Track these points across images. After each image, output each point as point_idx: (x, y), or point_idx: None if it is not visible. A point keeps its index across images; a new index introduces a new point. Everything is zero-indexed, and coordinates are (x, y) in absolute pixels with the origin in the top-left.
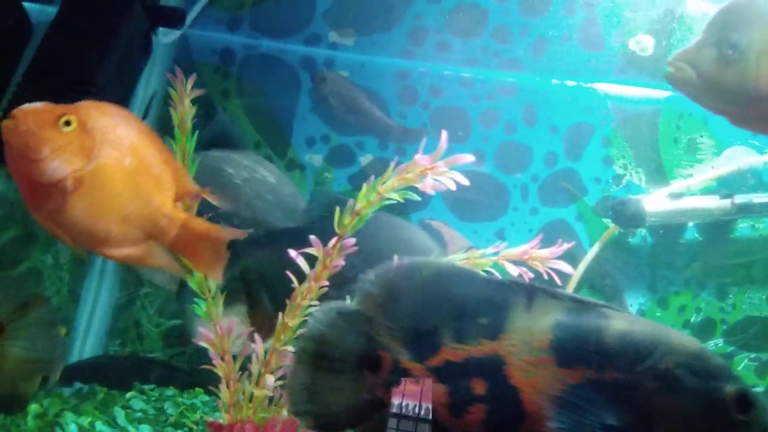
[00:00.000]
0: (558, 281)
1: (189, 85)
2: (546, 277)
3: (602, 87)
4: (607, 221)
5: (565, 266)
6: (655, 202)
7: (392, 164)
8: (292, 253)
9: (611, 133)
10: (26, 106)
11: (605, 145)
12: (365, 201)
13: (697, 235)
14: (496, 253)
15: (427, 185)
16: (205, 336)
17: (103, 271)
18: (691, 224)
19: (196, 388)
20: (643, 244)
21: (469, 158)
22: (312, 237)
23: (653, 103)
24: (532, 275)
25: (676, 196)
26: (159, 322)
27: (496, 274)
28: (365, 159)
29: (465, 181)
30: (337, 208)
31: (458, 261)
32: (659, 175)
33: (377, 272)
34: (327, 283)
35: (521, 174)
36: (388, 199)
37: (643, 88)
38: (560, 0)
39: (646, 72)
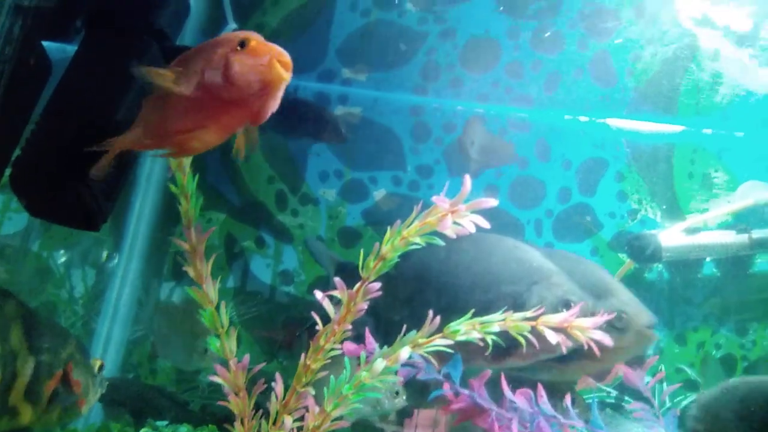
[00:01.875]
0: (597, 352)
1: None
2: (586, 347)
3: (615, 122)
4: (623, 256)
5: (605, 338)
6: (671, 237)
7: (416, 208)
8: (318, 295)
9: (625, 168)
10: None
11: (619, 180)
12: (390, 245)
13: (714, 270)
14: (534, 317)
15: (447, 228)
16: (219, 372)
17: (117, 305)
18: (708, 259)
19: (210, 425)
20: (659, 280)
21: (492, 202)
22: (337, 279)
23: (667, 138)
24: (570, 344)
25: (692, 231)
26: None
27: (532, 339)
28: (378, 194)
29: (486, 225)
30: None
31: (495, 323)
32: (674, 209)
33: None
34: (350, 326)
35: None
36: (413, 243)
37: (656, 123)
38: (573, 35)
39: (660, 107)
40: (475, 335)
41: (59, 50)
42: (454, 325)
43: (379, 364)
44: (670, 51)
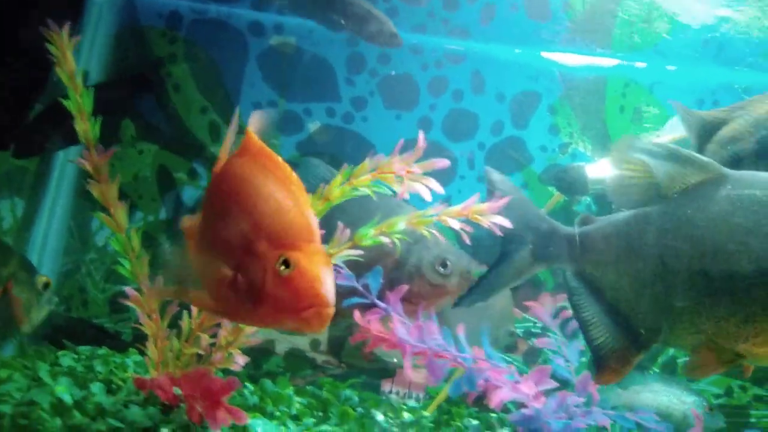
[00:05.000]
0: (498, 232)
1: (65, 36)
2: (491, 231)
3: (549, 55)
4: (553, 189)
5: (503, 220)
6: (598, 169)
7: (368, 157)
8: None
9: (557, 102)
10: None
11: (552, 113)
12: (338, 189)
13: None
14: (437, 213)
15: (404, 192)
16: (130, 296)
17: (47, 238)
18: None
19: (131, 349)
20: (588, 212)
21: (444, 163)
22: None
23: (600, 72)
24: (471, 229)
25: None
26: (105, 288)
27: (438, 234)
28: (313, 125)
29: (440, 189)
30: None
31: (400, 222)
32: (605, 143)
33: None
34: None
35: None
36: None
37: (590, 56)
38: None
39: (594, 41)
40: (384, 239)
41: None
42: (363, 230)
43: None
44: None
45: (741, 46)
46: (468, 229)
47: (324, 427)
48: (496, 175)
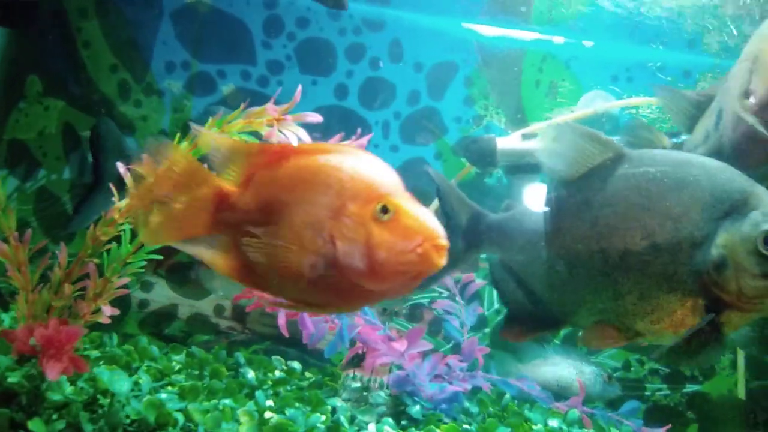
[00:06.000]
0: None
1: None
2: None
3: (468, 26)
4: (465, 161)
5: (315, 116)
6: (508, 141)
7: (243, 106)
8: (121, 168)
9: (474, 73)
10: None
11: (468, 85)
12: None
13: None
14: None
15: (272, 136)
16: None
17: None
18: None
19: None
20: (498, 185)
21: (316, 118)
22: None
23: (518, 45)
24: None
25: (529, 136)
26: None
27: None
28: (227, 88)
29: (307, 138)
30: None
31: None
32: (519, 117)
33: None
34: None
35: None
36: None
37: (509, 29)
38: None
39: (513, 13)
40: None
41: None
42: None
43: None
44: None
45: (656, 24)
46: None
47: (190, 382)
48: (435, 174)
